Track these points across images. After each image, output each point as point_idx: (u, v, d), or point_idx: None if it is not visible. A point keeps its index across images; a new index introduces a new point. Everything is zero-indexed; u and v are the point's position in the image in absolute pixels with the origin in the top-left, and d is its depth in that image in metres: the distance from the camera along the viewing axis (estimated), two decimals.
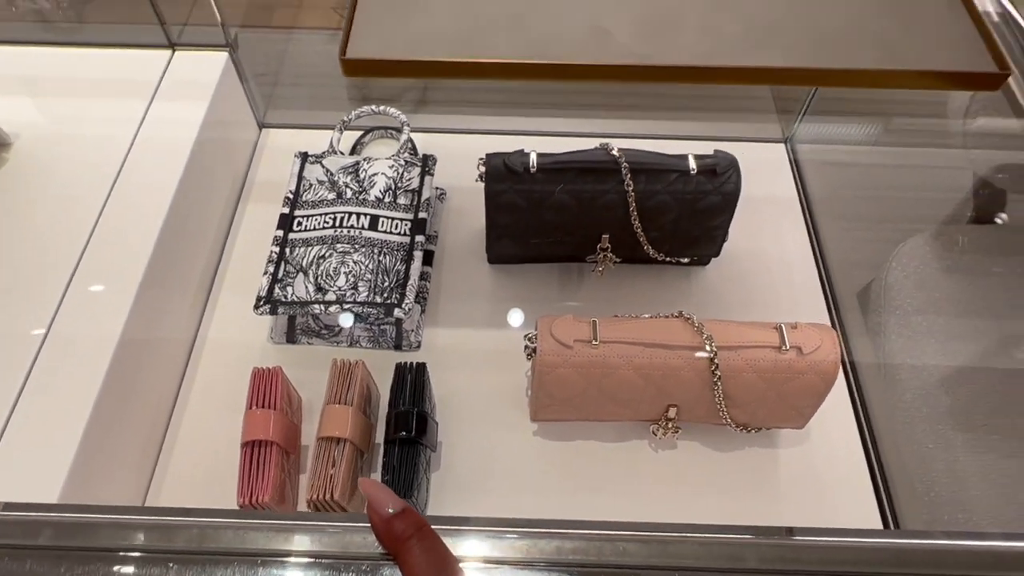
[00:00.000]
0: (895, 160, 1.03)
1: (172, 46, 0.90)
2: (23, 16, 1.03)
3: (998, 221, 0.96)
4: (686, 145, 0.85)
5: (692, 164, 0.76)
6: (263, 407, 0.69)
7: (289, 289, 0.77)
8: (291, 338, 0.82)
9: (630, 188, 0.75)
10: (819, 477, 0.75)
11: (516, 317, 0.85)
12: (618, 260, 0.85)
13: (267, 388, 0.70)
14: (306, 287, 0.77)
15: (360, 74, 0.52)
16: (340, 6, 2.10)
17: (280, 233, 0.81)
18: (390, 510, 0.33)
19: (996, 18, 0.58)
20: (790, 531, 0.45)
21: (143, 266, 0.71)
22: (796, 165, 1.00)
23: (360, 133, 0.99)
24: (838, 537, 0.41)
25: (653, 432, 0.74)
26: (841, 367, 0.83)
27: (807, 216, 0.95)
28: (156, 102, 0.84)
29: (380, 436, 0.73)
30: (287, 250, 0.80)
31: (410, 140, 0.91)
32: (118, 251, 0.72)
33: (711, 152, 0.78)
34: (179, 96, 0.85)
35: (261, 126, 1.02)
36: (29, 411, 0.62)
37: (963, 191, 0.94)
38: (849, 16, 0.54)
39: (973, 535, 0.53)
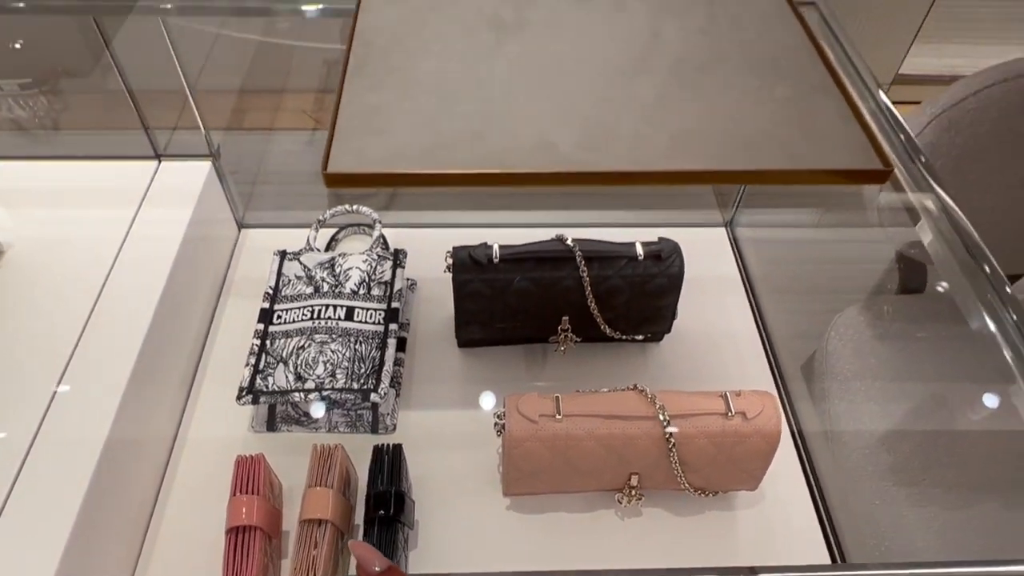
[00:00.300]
0: (825, 237, 1.13)
1: (158, 157, 0.97)
2: (0, 125, 1.10)
3: (939, 289, 1.06)
4: (635, 232, 0.93)
5: (639, 250, 0.84)
6: (247, 493, 0.72)
7: (270, 379, 0.82)
8: (271, 426, 0.86)
9: (585, 274, 0.83)
10: (775, 537, 0.80)
11: (486, 397, 0.90)
12: (578, 340, 0.91)
13: (250, 474, 0.74)
14: (286, 376, 0.82)
15: (340, 186, 0.59)
16: (311, 108, 2.23)
17: (261, 326, 0.87)
18: (377, 568, 0.37)
19: (881, 113, 0.69)
20: (752, 570, 0.50)
21: (130, 367, 0.75)
22: (736, 246, 1.09)
23: (335, 230, 1.06)
24: (798, 572, 0.46)
25: (618, 500, 0.78)
26: (789, 431, 0.89)
27: (749, 293, 1.03)
28: (143, 209, 0.91)
29: (359, 518, 0.76)
30: (268, 342, 0.85)
31: (382, 236, 0.98)
32: (105, 353, 0.76)
33: (656, 239, 0.86)
34: (165, 204, 0.91)
35: (240, 226, 1.09)
36: (19, 509, 0.64)
37: (886, 263, 1.04)
38: (758, 125, 0.64)
39: (918, 564, 0.59)
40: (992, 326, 0.56)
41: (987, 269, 0.60)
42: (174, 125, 1.02)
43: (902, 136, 0.67)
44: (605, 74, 0.69)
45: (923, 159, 0.66)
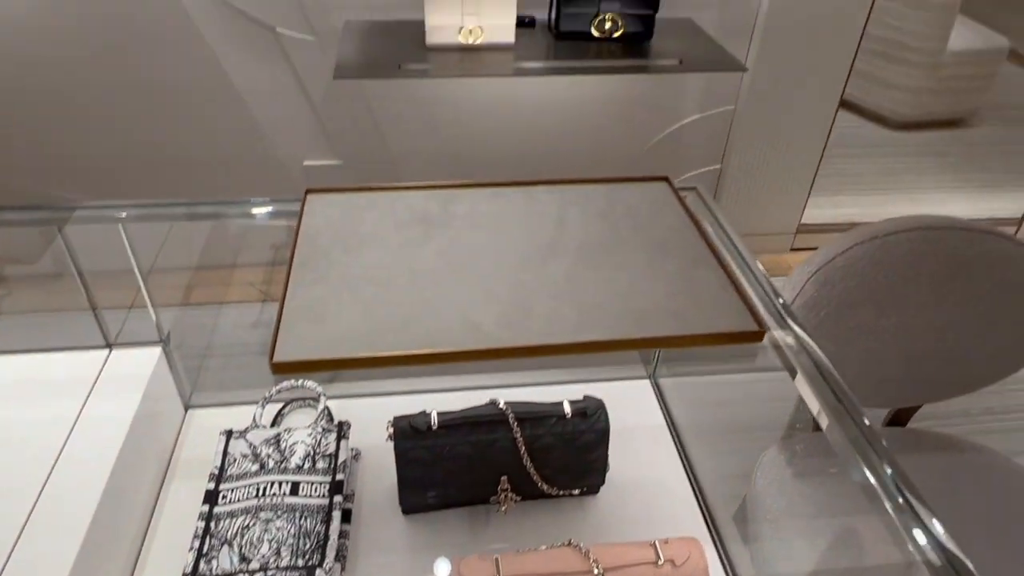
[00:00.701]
0: (741, 380, 1.23)
1: (109, 346, 1.02)
2: None
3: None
4: (566, 389, 1.01)
5: (567, 409, 0.91)
6: None
7: (214, 562, 0.82)
8: None
9: (518, 435, 0.89)
10: None
11: (432, 563, 0.91)
12: (519, 498, 0.95)
13: None
14: (231, 559, 0.83)
15: (286, 372, 0.66)
16: (256, 280, 2.33)
17: (206, 508, 0.88)
18: None
19: (755, 280, 0.80)
20: None
21: (69, 565, 0.75)
22: (661, 395, 1.17)
23: (281, 405, 1.10)
24: None
25: None
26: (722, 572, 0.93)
27: (676, 440, 1.10)
28: (91, 400, 0.94)
29: None
30: (212, 524, 0.86)
31: (327, 408, 1.03)
32: (45, 550, 0.76)
33: (582, 396, 0.94)
34: (113, 393, 0.95)
35: (187, 407, 1.12)
36: None
37: (795, 400, 1.13)
38: (653, 297, 0.74)
39: None
40: (872, 478, 0.63)
41: (865, 422, 0.67)
42: (126, 312, 1.07)
43: (781, 300, 0.78)
44: (520, 258, 0.79)
45: (796, 319, 0.76)
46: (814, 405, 0.68)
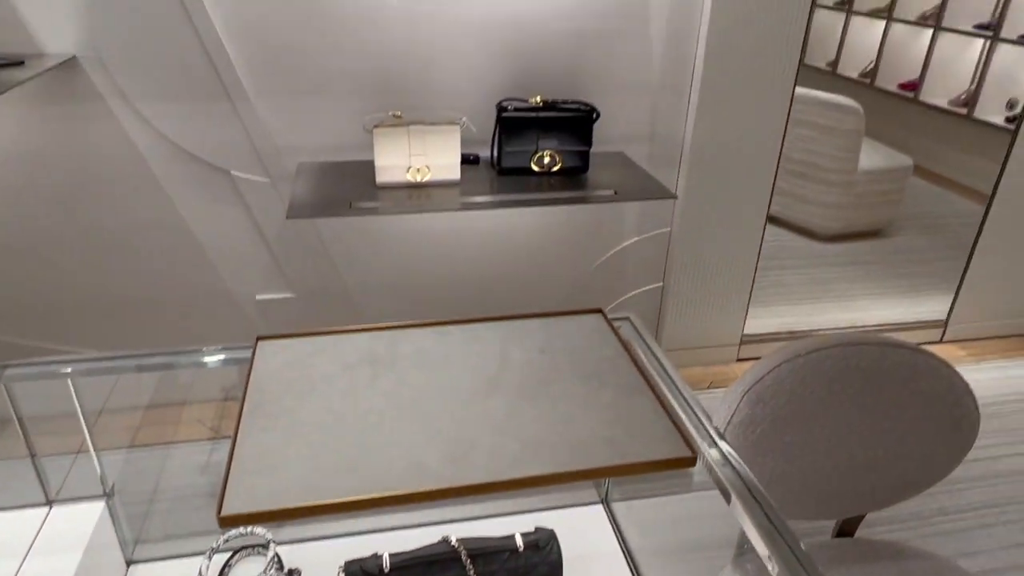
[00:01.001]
0: (690, 499, 1.25)
1: (50, 503, 0.99)
2: None
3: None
4: (518, 520, 1.01)
5: (519, 542, 0.92)
6: None
7: None
8: None
9: (471, 572, 0.89)
10: None
11: None
12: None
13: None
14: None
15: (234, 525, 0.66)
16: (204, 417, 2.29)
17: None
18: None
19: (687, 405, 0.85)
20: None
21: None
22: (614, 520, 1.18)
23: (228, 554, 1.07)
24: None
25: None
26: None
27: (631, 567, 1.10)
28: (30, 558, 0.90)
29: None
30: None
31: (276, 555, 1.01)
32: None
33: (534, 527, 0.95)
34: (53, 551, 0.92)
35: (129, 563, 1.08)
36: None
37: None
38: (590, 428, 0.78)
39: None
40: None
41: (800, 545, 0.69)
42: (70, 461, 1.05)
43: (713, 425, 0.83)
44: (464, 395, 0.83)
45: (727, 442, 0.81)
46: (750, 531, 0.71)
